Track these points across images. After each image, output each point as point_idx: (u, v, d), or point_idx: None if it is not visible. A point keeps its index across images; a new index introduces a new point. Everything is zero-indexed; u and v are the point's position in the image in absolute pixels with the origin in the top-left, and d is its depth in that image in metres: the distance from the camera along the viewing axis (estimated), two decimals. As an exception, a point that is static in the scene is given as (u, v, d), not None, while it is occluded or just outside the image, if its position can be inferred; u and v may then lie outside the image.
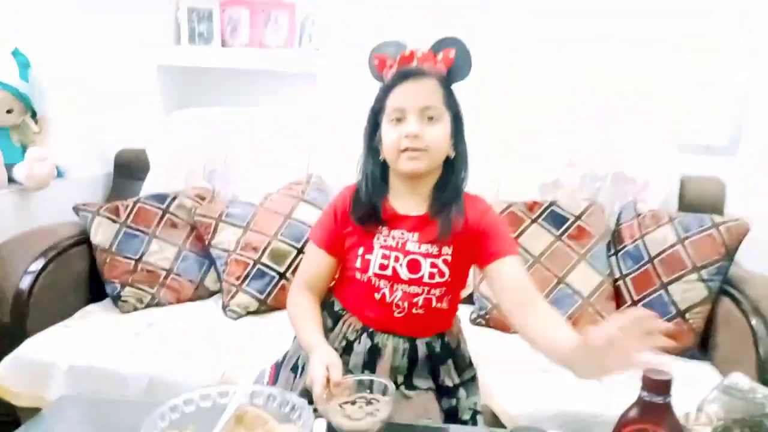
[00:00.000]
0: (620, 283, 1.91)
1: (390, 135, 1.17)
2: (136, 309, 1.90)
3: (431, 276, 1.19)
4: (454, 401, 1.27)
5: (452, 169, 1.22)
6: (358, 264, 1.22)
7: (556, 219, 1.97)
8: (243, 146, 2.26)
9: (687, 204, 2.14)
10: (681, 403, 1.49)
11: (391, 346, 1.22)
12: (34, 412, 1.22)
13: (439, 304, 1.21)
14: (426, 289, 1.19)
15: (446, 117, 1.18)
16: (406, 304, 1.20)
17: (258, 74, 2.58)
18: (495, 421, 1.49)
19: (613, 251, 1.98)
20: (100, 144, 2.40)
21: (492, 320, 1.91)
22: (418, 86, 1.16)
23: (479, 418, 1.32)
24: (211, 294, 2.02)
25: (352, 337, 1.24)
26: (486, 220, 1.21)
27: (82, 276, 1.96)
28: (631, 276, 1.89)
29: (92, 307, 1.93)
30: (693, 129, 2.50)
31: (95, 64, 2.35)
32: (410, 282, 1.19)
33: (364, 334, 1.23)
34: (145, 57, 2.54)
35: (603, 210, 2.02)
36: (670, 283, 1.80)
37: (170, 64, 2.58)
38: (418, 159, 1.16)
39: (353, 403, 1.03)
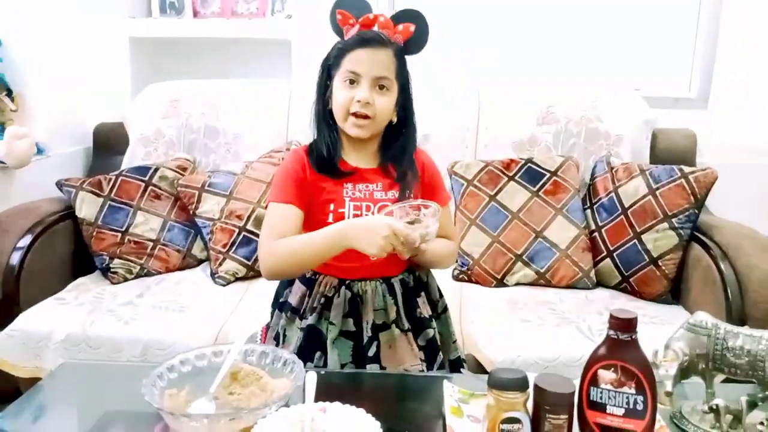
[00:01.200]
0: (596, 234, 1.98)
1: (341, 94, 1.24)
2: (126, 280, 1.93)
3: None
4: (431, 333, 1.33)
5: (398, 130, 1.31)
6: (330, 219, 1.26)
7: (533, 176, 2.02)
8: (221, 117, 2.27)
9: (659, 156, 2.21)
10: (652, 342, 1.56)
11: (370, 291, 1.28)
12: (34, 382, 1.25)
13: None
14: None
15: (395, 87, 1.26)
16: None
17: (232, 44, 2.57)
18: (479, 368, 1.56)
19: (588, 204, 2.04)
20: (77, 119, 2.39)
21: (474, 275, 1.97)
22: (375, 55, 1.23)
23: (463, 365, 1.39)
24: (200, 262, 2.06)
25: (330, 294, 1.28)
26: (431, 172, 1.36)
27: (70, 250, 1.99)
28: (605, 227, 1.96)
29: (82, 280, 1.95)
30: (663, 83, 2.57)
31: (68, 38, 2.33)
32: None
33: (342, 287, 1.27)
34: (118, 29, 2.51)
35: (578, 165, 2.08)
36: (643, 232, 1.87)
37: (143, 35, 2.56)
38: (364, 127, 1.24)
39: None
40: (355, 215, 1.25)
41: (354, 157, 1.31)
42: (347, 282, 1.29)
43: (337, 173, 1.28)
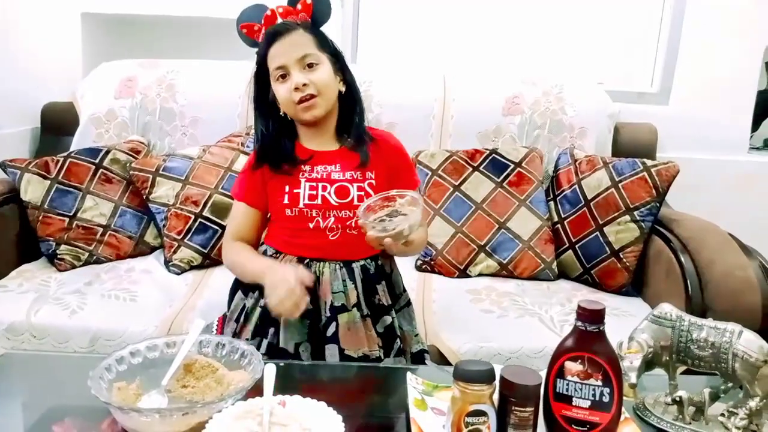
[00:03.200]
0: (558, 226, 1.98)
1: (281, 92, 1.27)
2: (74, 267, 1.84)
3: (360, 199, 1.26)
4: (389, 320, 1.32)
5: (348, 102, 1.32)
6: (286, 200, 1.28)
7: (497, 166, 2.01)
8: (178, 98, 2.18)
9: (621, 150, 2.23)
10: (615, 334, 1.56)
11: (328, 272, 1.28)
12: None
13: None
14: (356, 211, 1.24)
15: (325, 59, 1.28)
16: (339, 226, 1.28)
17: (190, 22, 2.48)
18: (442, 359, 1.53)
19: (551, 196, 2.03)
20: (24, 98, 2.27)
21: (437, 266, 1.95)
22: (289, 41, 1.25)
23: (426, 356, 1.37)
24: (153, 249, 1.98)
25: None
26: (400, 155, 1.38)
27: (14, 235, 1.88)
28: (568, 219, 1.96)
29: (27, 267, 1.85)
30: (626, 77, 2.59)
31: (16, 12, 2.21)
32: (341, 207, 1.28)
33: (300, 267, 1.27)
34: (69, 4, 2.40)
35: (542, 156, 2.07)
36: (605, 224, 1.87)
37: (96, 11, 2.45)
38: (315, 106, 1.26)
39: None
40: (311, 195, 1.27)
41: (313, 143, 1.32)
42: (306, 261, 1.29)
43: (293, 161, 1.29)
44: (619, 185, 1.88)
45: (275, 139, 1.31)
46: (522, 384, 0.89)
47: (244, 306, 1.33)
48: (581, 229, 1.92)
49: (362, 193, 1.28)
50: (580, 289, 1.89)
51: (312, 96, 1.24)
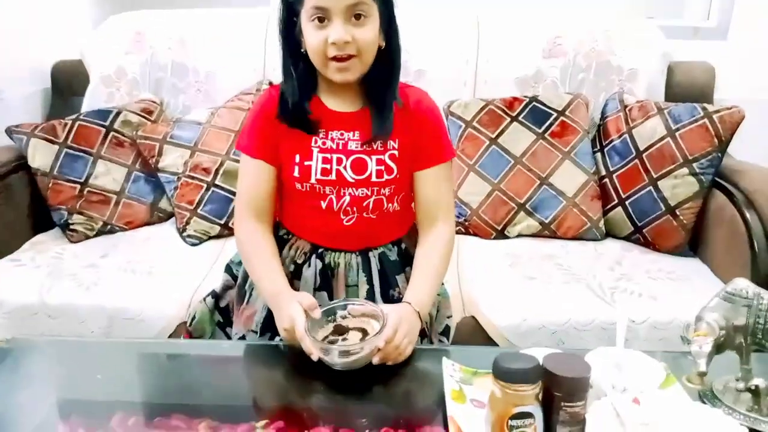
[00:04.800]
0: (606, 180, 1.82)
1: (313, 38, 1.02)
2: (87, 237, 1.75)
3: (379, 174, 1.09)
4: None
5: (384, 58, 1.09)
6: (296, 173, 1.10)
7: (538, 116, 1.84)
8: (190, 52, 2.04)
9: (675, 93, 2.02)
10: (672, 301, 1.43)
11: (344, 264, 1.15)
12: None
13: (390, 205, 1.13)
14: (375, 189, 1.10)
15: (375, 10, 1.03)
16: (355, 209, 1.11)
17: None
18: (481, 333, 1.42)
19: (598, 147, 1.87)
20: (33, 57, 2.15)
21: (472, 226, 1.82)
22: None
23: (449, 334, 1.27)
24: (170, 216, 1.87)
25: (300, 261, 1.15)
26: (433, 121, 1.14)
27: (25, 204, 1.79)
28: (617, 173, 1.80)
29: (40, 238, 1.78)
30: (680, 11, 2.35)
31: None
32: (357, 184, 1.10)
33: (314, 256, 1.15)
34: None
35: (587, 103, 1.90)
36: (660, 178, 1.71)
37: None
38: (350, 69, 1.04)
39: (339, 334, 0.98)
40: (324, 170, 1.09)
41: (333, 99, 1.11)
42: (319, 250, 1.14)
43: (306, 124, 1.10)
44: (676, 134, 1.70)
45: (298, 88, 1.09)
46: (570, 377, 0.78)
47: (248, 282, 1.20)
48: (632, 184, 1.76)
49: (381, 167, 1.09)
50: (630, 250, 1.74)
51: (350, 56, 1.02)
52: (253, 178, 1.13)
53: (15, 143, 1.79)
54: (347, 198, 1.10)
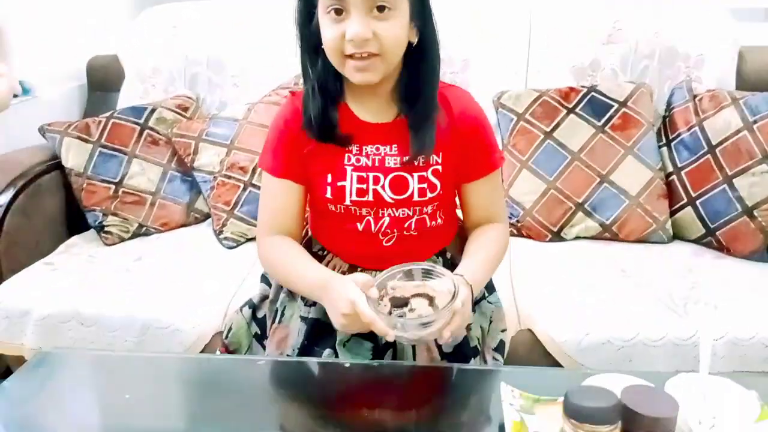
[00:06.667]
0: (674, 177, 1.68)
1: (329, 32, 0.90)
2: (122, 240, 1.70)
3: (421, 193, 0.99)
4: (459, 337, 1.03)
5: (417, 57, 0.95)
6: (329, 194, 0.99)
7: (597, 107, 1.71)
8: (228, 45, 1.97)
9: (747, 81, 1.86)
10: (757, 320, 1.28)
11: None
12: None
13: (433, 223, 1.03)
14: (417, 209, 1.00)
15: (404, 1, 0.90)
16: (395, 230, 1.01)
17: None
18: (539, 348, 1.30)
19: (664, 141, 1.73)
20: (68, 53, 2.11)
21: (526, 228, 1.70)
22: None
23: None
24: (206, 216, 1.81)
25: None
26: (479, 129, 1.02)
27: (60, 206, 1.75)
28: (687, 169, 1.66)
29: (75, 240, 1.73)
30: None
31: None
32: (397, 204, 0.99)
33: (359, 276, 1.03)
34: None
35: (651, 93, 1.76)
36: (735, 175, 1.57)
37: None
38: (370, 69, 0.91)
39: (399, 306, 0.87)
40: (360, 190, 0.98)
41: (363, 108, 0.99)
42: (358, 269, 1.04)
43: (335, 136, 0.98)
44: (754, 126, 1.56)
45: (320, 93, 0.98)
46: (654, 417, 0.67)
47: (280, 300, 1.11)
48: (704, 182, 1.62)
49: (424, 185, 0.98)
50: (701, 255, 1.59)
51: (371, 55, 0.90)
52: (278, 200, 1.04)
53: (48, 142, 1.74)
54: (386, 219, 1.00)
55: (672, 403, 0.69)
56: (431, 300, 0.86)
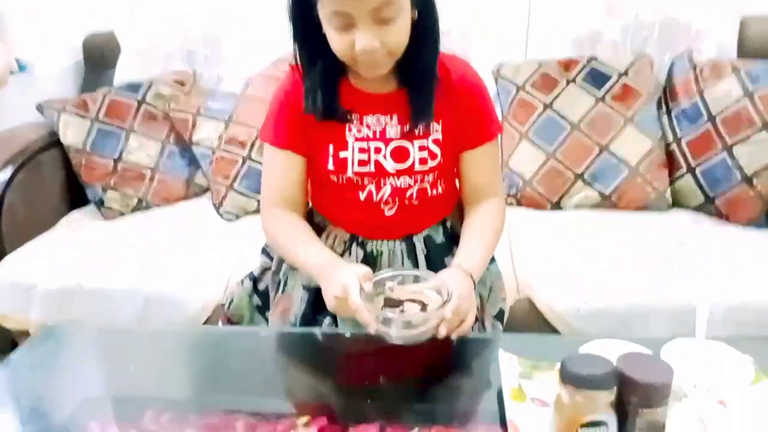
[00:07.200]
0: (674, 147, 1.68)
1: (337, 43, 0.90)
2: (122, 214, 1.71)
3: (422, 161, 1.00)
4: None
5: (418, 31, 0.94)
6: (331, 165, 1.00)
7: (597, 78, 1.71)
8: (225, 21, 1.96)
9: (749, 50, 1.84)
10: (754, 287, 1.29)
11: (387, 252, 1.05)
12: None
13: (434, 192, 1.04)
14: (418, 177, 1.01)
15: (405, 2, 0.89)
16: (396, 199, 1.02)
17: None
18: (538, 317, 1.32)
19: (665, 111, 1.73)
20: (64, 30, 2.09)
21: (525, 198, 1.71)
22: None
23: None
24: (206, 191, 1.82)
25: (339, 250, 1.06)
26: (478, 97, 1.03)
27: (59, 182, 1.76)
28: (687, 139, 1.66)
29: (75, 215, 1.75)
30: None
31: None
32: (398, 173, 1.00)
33: (354, 244, 1.05)
34: None
35: (651, 63, 1.75)
36: (735, 144, 1.58)
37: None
38: (379, 66, 0.92)
39: (391, 307, 0.88)
40: (361, 161, 0.99)
41: (363, 79, 0.98)
42: (360, 239, 1.05)
43: (338, 114, 0.98)
44: (755, 96, 1.56)
45: (321, 75, 0.96)
46: (649, 382, 0.68)
47: (282, 270, 1.12)
48: (704, 151, 1.62)
49: (425, 153, 0.99)
50: (700, 222, 1.61)
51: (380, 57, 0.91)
52: (281, 171, 1.04)
53: (46, 119, 1.74)
54: (388, 189, 1.01)
55: (667, 369, 0.69)
56: (424, 307, 0.87)
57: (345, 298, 0.87)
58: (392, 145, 0.98)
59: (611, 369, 0.68)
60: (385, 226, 1.03)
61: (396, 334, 0.85)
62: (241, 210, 1.69)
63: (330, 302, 0.92)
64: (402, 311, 0.87)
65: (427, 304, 0.87)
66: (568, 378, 0.68)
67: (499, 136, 1.07)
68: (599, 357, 0.71)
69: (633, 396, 0.68)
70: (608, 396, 0.68)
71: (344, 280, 0.88)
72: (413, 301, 0.88)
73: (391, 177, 1.00)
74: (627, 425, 0.69)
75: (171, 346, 1.02)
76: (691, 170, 1.64)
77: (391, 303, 0.88)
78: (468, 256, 0.99)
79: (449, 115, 1.00)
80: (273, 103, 1.04)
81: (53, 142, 1.73)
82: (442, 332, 0.85)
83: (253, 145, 1.70)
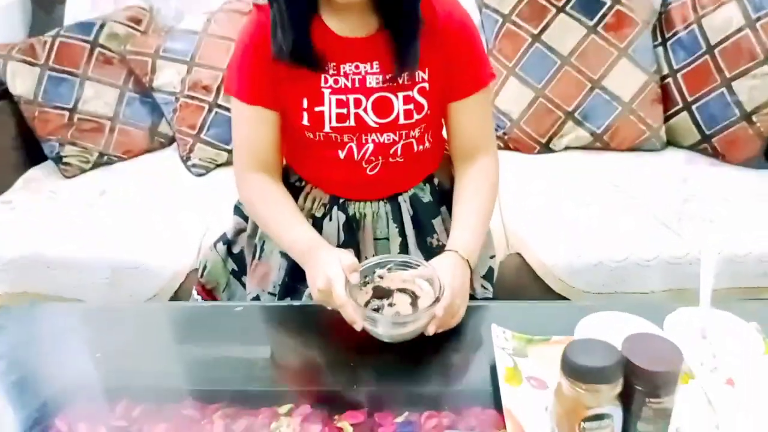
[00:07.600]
0: (669, 80, 1.62)
1: None
2: (83, 171, 1.61)
3: (408, 115, 0.91)
4: None
5: None
6: (305, 121, 0.90)
7: (589, 5, 1.62)
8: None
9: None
10: (754, 235, 1.24)
11: (371, 214, 0.99)
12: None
13: (420, 147, 0.96)
14: (403, 133, 0.93)
15: None
16: (380, 157, 0.94)
17: None
18: (529, 272, 1.27)
19: (660, 41, 1.64)
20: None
21: (513, 140, 1.63)
22: None
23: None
24: (171, 141, 1.71)
25: (319, 213, 1.00)
26: (468, 39, 0.93)
27: (11, 137, 1.64)
28: (683, 71, 1.59)
29: (33, 173, 1.64)
30: None
31: None
32: (382, 129, 0.92)
33: (335, 207, 0.97)
34: None
35: (647, -12, 1.64)
36: (735, 78, 1.52)
37: None
38: None
39: (380, 297, 0.82)
40: (340, 115, 0.89)
41: (339, 20, 0.88)
42: (341, 201, 0.97)
43: (310, 59, 0.87)
44: (757, 24, 1.48)
45: (291, 16, 0.86)
46: (658, 371, 0.62)
47: (258, 235, 1.05)
48: (701, 85, 1.56)
49: (410, 106, 0.90)
50: (696, 162, 1.56)
51: None
52: (251, 128, 0.95)
53: (-7, 68, 1.60)
54: (370, 146, 0.92)
55: (676, 354, 0.64)
56: (415, 298, 0.81)
57: (329, 291, 0.80)
58: (373, 96, 0.89)
59: (617, 359, 0.62)
60: (367, 186, 0.96)
61: (383, 333, 0.79)
62: (211, 162, 1.60)
63: (314, 293, 0.85)
64: (391, 303, 0.80)
65: (418, 296, 0.81)
66: (571, 370, 0.62)
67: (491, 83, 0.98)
68: (603, 343, 0.64)
69: (640, 385, 0.62)
70: (613, 389, 0.62)
71: (329, 272, 0.80)
72: (404, 291, 0.82)
73: (373, 133, 0.91)
74: (632, 413, 0.64)
75: (141, 326, 0.94)
76: (687, 106, 1.58)
77: (381, 292, 0.82)
78: (463, 237, 0.91)
79: (436, 61, 0.90)
80: (236, 49, 0.94)
81: (2, 92, 1.61)
82: (431, 330, 0.79)
83: (219, 90, 1.59)
